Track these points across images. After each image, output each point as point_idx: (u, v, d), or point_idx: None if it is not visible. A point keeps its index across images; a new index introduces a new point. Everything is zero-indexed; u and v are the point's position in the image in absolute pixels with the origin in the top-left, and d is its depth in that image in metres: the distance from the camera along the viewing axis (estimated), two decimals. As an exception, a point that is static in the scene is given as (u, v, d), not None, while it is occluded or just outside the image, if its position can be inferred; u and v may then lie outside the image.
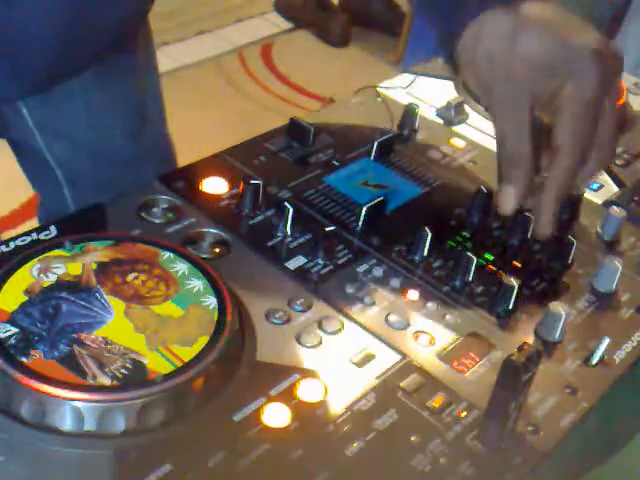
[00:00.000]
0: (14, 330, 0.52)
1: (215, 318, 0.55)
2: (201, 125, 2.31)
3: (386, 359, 0.57)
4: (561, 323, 0.60)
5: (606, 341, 0.60)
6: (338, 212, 0.70)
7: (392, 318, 0.61)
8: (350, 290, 0.63)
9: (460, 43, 0.66)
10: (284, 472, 0.49)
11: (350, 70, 2.67)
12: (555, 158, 0.63)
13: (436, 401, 0.55)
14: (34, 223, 0.63)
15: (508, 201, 0.65)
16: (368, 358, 0.57)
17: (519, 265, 0.68)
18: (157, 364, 0.51)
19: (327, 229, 0.65)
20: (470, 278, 0.64)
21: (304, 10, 2.90)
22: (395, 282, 0.64)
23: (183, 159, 0.75)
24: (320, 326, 0.59)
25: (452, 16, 0.67)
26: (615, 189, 0.79)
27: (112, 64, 0.89)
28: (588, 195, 0.76)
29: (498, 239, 0.70)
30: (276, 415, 0.52)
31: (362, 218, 0.68)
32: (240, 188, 0.69)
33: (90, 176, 0.94)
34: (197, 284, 0.57)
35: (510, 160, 0.65)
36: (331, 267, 0.64)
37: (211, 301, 0.56)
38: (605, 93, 0.64)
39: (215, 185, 0.71)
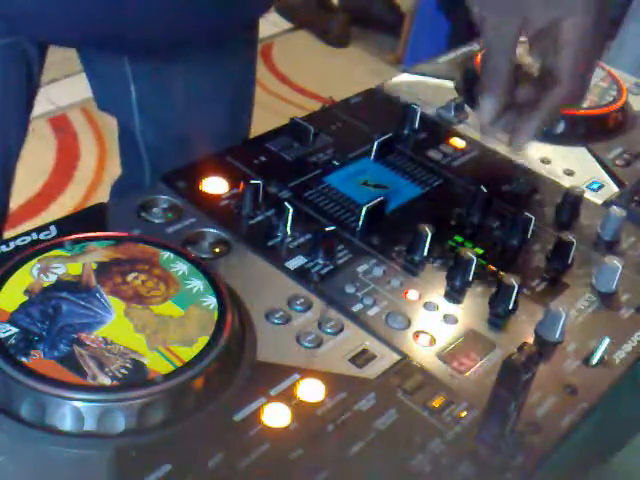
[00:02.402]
0: (14, 330, 0.52)
1: (215, 318, 0.55)
2: (201, 125, 2.31)
3: (386, 359, 0.57)
4: (561, 323, 0.60)
5: (606, 341, 0.59)
6: (338, 212, 0.70)
7: (392, 318, 0.61)
8: (350, 290, 0.63)
9: None
10: (284, 472, 0.49)
11: (350, 70, 2.67)
12: (554, 85, 0.67)
13: (436, 401, 0.55)
14: (33, 224, 0.63)
15: (487, 111, 0.69)
16: (368, 358, 0.57)
17: (519, 265, 0.68)
18: (157, 364, 0.51)
19: (327, 229, 0.65)
20: (470, 278, 0.64)
21: (304, 10, 2.90)
22: (395, 282, 0.64)
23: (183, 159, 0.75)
24: (320, 326, 0.59)
25: None
26: (615, 189, 0.79)
27: (222, 50, 0.91)
28: (588, 195, 0.76)
29: (498, 239, 0.70)
30: (276, 415, 0.52)
31: (362, 218, 0.68)
32: (240, 188, 0.69)
33: (175, 163, 0.96)
34: (197, 284, 0.57)
35: (491, 71, 0.68)
36: (331, 267, 0.64)
37: (211, 301, 0.56)
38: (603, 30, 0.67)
39: (215, 185, 0.71)
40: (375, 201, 0.69)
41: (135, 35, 0.82)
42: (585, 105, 0.84)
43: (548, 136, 0.84)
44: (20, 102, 0.91)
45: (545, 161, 0.81)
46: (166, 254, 0.59)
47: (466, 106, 0.86)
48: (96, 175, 2.23)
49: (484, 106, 0.69)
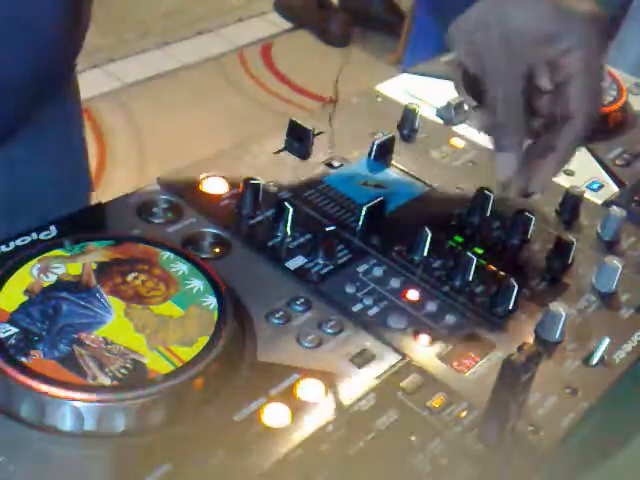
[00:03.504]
0: (14, 330, 0.52)
1: (215, 318, 0.55)
2: (201, 125, 2.32)
3: (386, 359, 0.57)
4: (561, 323, 0.60)
5: (606, 341, 0.59)
6: (338, 212, 0.70)
7: (392, 318, 0.61)
8: (350, 290, 0.63)
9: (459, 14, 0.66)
10: (284, 472, 0.49)
11: (350, 70, 2.67)
12: (567, 124, 0.65)
13: (436, 401, 0.55)
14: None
15: (505, 169, 0.66)
16: (368, 358, 0.57)
17: (519, 265, 0.68)
18: (157, 364, 0.51)
19: (327, 229, 0.65)
20: (470, 278, 0.64)
21: (304, 10, 2.90)
22: (395, 282, 0.64)
23: (183, 159, 0.75)
24: (320, 326, 0.59)
25: None
26: (615, 189, 0.79)
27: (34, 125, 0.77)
28: (588, 195, 0.76)
29: (498, 239, 0.70)
30: (276, 415, 0.52)
31: (362, 218, 0.68)
32: (240, 188, 0.69)
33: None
34: (197, 284, 0.57)
35: (502, 127, 0.66)
36: (331, 267, 0.64)
37: (211, 301, 0.56)
38: (604, 59, 0.65)
39: (215, 185, 0.71)
40: (375, 201, 0.69)
41: None
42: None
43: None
44: None
45: (545, 161, 0.81)
46: (166, 254, 0.59)
47: (466, 106, 0.86)
48: (96, 175, 2.23)
49: (501, 164, 0.66)
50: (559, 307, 0.60)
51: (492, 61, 0.65)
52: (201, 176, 0.71)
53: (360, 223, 0.68)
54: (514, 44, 0.64)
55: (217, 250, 0.65)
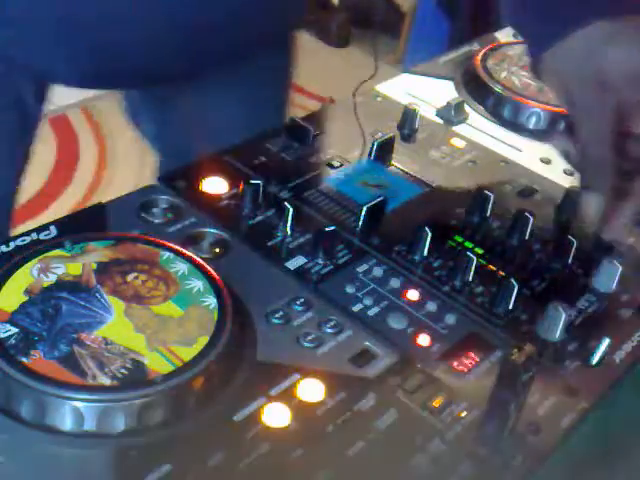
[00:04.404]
0: (14, 330, 0.52)
1: (215, 318, 0.55)
2: (201, 125, 2.31)
3: (386, 359, 0.57)
4: (561, 323, 0.60)
5: (606, 341, 0.59)
6: (338, 212, 0.70)
7: (392, 318, 0.61)
8: (350, 290, 0.63)
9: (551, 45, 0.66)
10: (284, 472, 0.49)
11: (350, 70, 2.67)
12: None
13: (436, 401, 0.55)
14: (33, 223, 0.63)
15: (595, 210, 0.65)
16: (368, 358, 0.57)
17: (519, 265, 0.68)
18: (157, 364, 0.51)
19: (327, 229, 0.65)
20: (470, 278, 0.64)
21: (304, 10, 2.90)
22: (395, 282, 0.64)
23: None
24: (320, 326, 0.59)
25: (548, 18, 0.66)
26: (615, 189, 0.79)
27: (241, 77, 0.87)
28: (588, 195, 0.76)
29: (498, 239, 0.70)
30: (276, 415, 0.52)
31: (362, 218, 0.68)
32: (240, 188, 0.69)
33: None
34: (197, 284, 0.57)
35: (593, 167, 0.65)
36: (331, 267, 0.64)
37: (211, 301, 0.56)
38: None
39: (215, 185, 0.71)
40: (375, 201, 0.69)
41: (147, 67, 0.79)
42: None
43: (548, 136, 0.84)
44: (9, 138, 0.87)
45: (545, 161, 0.81)
46: (166, 254, 0.59)
47: (466, 106, 0.86)
48: (96, 175, 2.23)
49: (591, 205, 0.65)
50: (559, 307, 0.60)
51: (583, 96, 0.64)
52: (201, 176, 0.71)
53: (360, 223, 0.68)
54: (607, 81, 0.63)
55: (217, 250, 0.65)
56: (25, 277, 0.56)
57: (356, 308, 0.61)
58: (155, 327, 0.54)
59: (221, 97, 0.90)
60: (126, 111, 1.02)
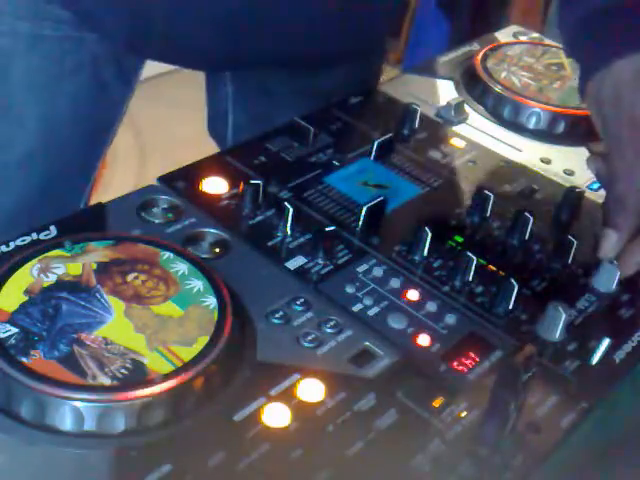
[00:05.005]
0: (14, 330, 0.52)
1: (215, 318, 0.55)
2: (201, 125, 2.31)
3: (386, 359, 0.57)
4: (561, 323, 0.60)
5: (606, 341, 0.59)
6: (338, 212, 0.70)
7: (392, 318, 0.61)
8: (350, 290, 0.63)
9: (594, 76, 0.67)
10: (284, 472, 0.49)
11: (350, 70, 2.67)
12: None
13: (436, 401, 0.55)
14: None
15: (610, 247, 0.66)
16: (368, 358, 0.57)
17: (519, 265, 0.68)
18: (157, 364, 0.51)
19: (327, 229, 0.65)
20: (470, 278, 0.64)
21: (304, 10, 2.90)
22: (395, 282, 0.64)
23: (183, 159, 0.75)
24: (320, 326, 0.59)
25: (595, 52, 0.68)
26: (615, 189, 0.79)
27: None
28: (588, 195, 0.76)
29: (498, 239, 0.70)
30: (276, 415, 0.52)
31: (362, 218, 0.68)
32: (240, 188, 0.69)
33: None
34: (197, 284, 0.57)
35: (617, 203, 0.66)
36: (331, 267, 0.64)
37: (211, 301, 0.56)
38: None
39: (215, 185, 0.71)
40: (375, 201, 0.69)
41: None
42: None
43: (548, 136, 0.84)
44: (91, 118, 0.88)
45: (545, 161, 0.81)
46: (166, 254, 0.59)
47: (466, 106, 0.86)
48: (96, 175, 2.23)
49: (608, 242, 0.66)
50: (559, 307, 0.60)
51: (616, 131, 0.65)
52: (201, 176, 0.71)
53: (360, 223, 0.68)
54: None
55: (217, 250, 0.65)
56: (25, 277, 0.56)
57: (356, 308, 0.61)
58: (155, 327, 0.54)
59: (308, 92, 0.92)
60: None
